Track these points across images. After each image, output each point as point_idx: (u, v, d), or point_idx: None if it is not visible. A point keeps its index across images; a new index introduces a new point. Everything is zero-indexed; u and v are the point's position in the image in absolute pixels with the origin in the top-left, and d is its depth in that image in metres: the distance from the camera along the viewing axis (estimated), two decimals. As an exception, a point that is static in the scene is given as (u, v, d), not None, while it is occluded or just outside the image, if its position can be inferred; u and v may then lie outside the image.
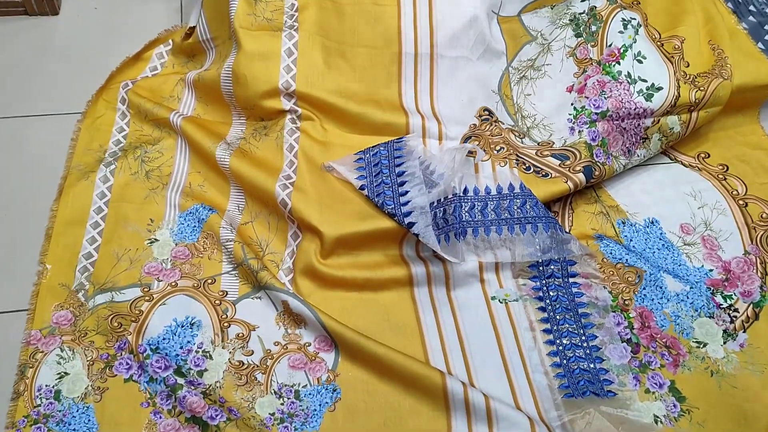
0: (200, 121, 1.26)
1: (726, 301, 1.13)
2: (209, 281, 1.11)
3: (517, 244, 1.13)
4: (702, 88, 1.23)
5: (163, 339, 1.04)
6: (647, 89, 1.21)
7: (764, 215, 1.23)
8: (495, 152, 1.20)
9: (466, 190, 1.14)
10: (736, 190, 1.26)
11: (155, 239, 1.15)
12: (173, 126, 1.23)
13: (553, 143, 1.23)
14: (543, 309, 1.10)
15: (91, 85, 1.33)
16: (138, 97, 1.29)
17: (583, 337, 1.08)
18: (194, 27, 1.32)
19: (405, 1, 1.27)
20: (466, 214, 1.12)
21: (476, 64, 1.28)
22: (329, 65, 1.22)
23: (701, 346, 1.08)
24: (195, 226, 1.16)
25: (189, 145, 1.23)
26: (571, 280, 1.13)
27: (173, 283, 1.10)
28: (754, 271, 1.16)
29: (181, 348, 1.03)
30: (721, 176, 1.28)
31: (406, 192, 1.12)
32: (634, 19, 1.28)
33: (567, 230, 1.19)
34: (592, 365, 1.05)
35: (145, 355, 1.02)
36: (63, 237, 1.14)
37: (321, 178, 1.15)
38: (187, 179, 1.21)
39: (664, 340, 1.09)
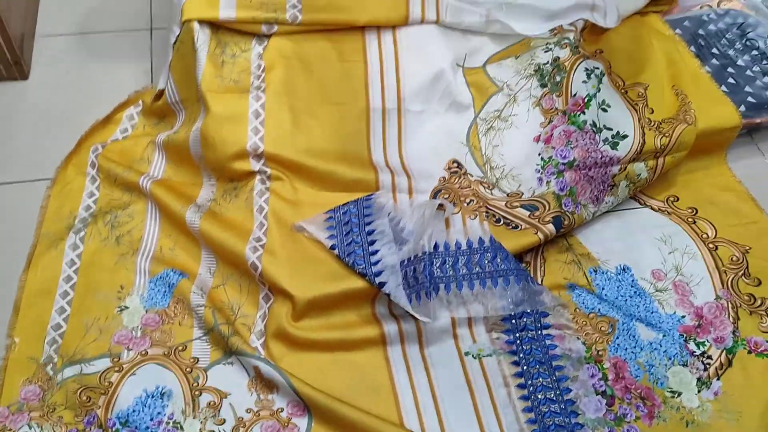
0: (170, 183, 1.26)
1: (699, 348, 1.13)
2: (180, 348, 1.10)
3: (490, 298, 1.13)
4: (667, 134, 1.24)
5: (133, 411, 1.02)
6: (612, 137, 1.22)
7: (734, 258, 1.23)
8: (465, 205, 1.21)
9: (436, 246, 1.14)
10: (706, 234, 1.27)
11: (125, 306, 1.14)
12: (143, 190, 1.23)
13: (522, 194, 1.24)
14: (517, 363, 1.10)
15: (62, 149, 1.33)
16: (108, 161, 1.29)
17: (558, 391, 1.08)
18: (163, 89, 1.33)
19: (372, 58, 1.29)
20: (438, 270, 1.12)
21: (444, 117, 1.30)
22: (297, 125, 1.22)
23: (676, 395, 1.08)
24: (165, 292, 1.15)
25: (159, 209, 1.23)
26: (544, 332, 1.13)
27: (143, 352, 1.09)
28: (726, 316, 1.16)
29: (152, 420, 1.02)
30: (690, 220, 1.29)
31: (377, 251, 1.13)
32: (597, 68, 1.30)
33: (539, 281, 1.19)
34: (567, 420, 1.04)
35: (114, 429, 1.00)
36: (32, 308, 1.13)
37: (292, 240, 1.15)
38: (157, 244, 1.21)
39: (638, 391, 1.08)
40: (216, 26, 1.26)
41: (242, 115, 1.21)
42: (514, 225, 1.19)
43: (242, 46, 1.27)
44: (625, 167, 1.23)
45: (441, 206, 1.18)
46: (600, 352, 1.12)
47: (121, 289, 1.16)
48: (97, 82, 1.48)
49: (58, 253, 1.19)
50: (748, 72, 1.41)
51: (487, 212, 1.20)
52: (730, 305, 1.17)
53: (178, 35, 1.26)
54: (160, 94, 1.35)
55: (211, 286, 1.15)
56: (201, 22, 1.24)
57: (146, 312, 1.13)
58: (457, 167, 1.25)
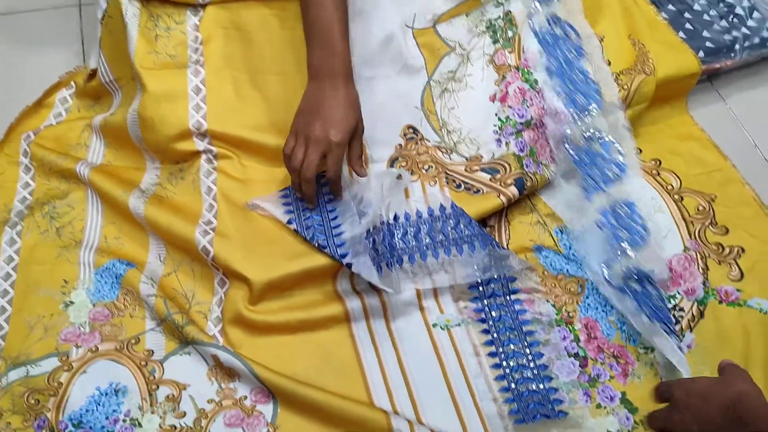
0: (110, 169, 1.18)
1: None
2: (132, 341, 1.04)
3: (456, 266, 1.09)
4: (625, 87, 1.20)
5: (87, 411, 0.96)
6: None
7: (700, 208, 1.21)
8: (424, 172, 1.16)
9: (396, 217, 1.09)
10: (671, 185, 1.24)
11: (71, 302, 1.07)
12: (81, 178, 1.16)
13: (482, 157, 1.19)
14: (487, 331, 1.06)
15: (-9, 139, 1.25)
16: (41, 149, 1.20)
17: (530, 357, 1.05)
18: (96, 69, 1.25)
19: None
20: (400, 241, 1.08)
21: (396, 81, 1.23)
22: (242, 98, 1.16)
23: (649, 351, 1.06)
24: (113, 283, 1.09)
25: (100, 196, 1.15)
26: (512, 297, 1.10)
27: (93, 348, 1.03)
28: (695, 267, 1.14)
29: (107, 419, 0.96)
30: (654, 171, 1.26)
31: (339, 225, 1.07)
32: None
33: (505, 245, 1.15)
34: (541, 385, 1.02)
35: (67, 431, 0.95)
36: (-31, 310, 1.06)
37: (244, 220, 1.09)
38: (101, 233, 1.14)
39: (611, 350, 1.06)
40: (146, -3, 1.18)
41: (182, 92, 1.13)
42: (475, 189, 1.15)
43: (176, 18, 1.19)
44: (586, 124, 1.19)
45: (400, 176, 1.13)
46: (570, 314, 1.09)
47: (65, 283, 1.09)
48: (24, 65, 1.38)
49: (-7, 250, 1.11)
50: (705, 16, 1.38)
51: (447, 178, 1.15)
52: (698, 256, 1.15)
53: (105, 9, 1.18)
54: (93, 73, 1.26)
55: (162, 274, 1.09)
56: None
57: (94, 306, 1.07)
58: (413, 133, 1.20)
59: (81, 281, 1.09)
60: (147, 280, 1.07)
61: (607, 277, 1.09)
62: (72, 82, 1.31)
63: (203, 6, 1.20)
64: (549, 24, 1.24)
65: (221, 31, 1.19)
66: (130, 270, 1.09)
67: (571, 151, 1.18)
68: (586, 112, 1.18)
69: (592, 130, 1.18)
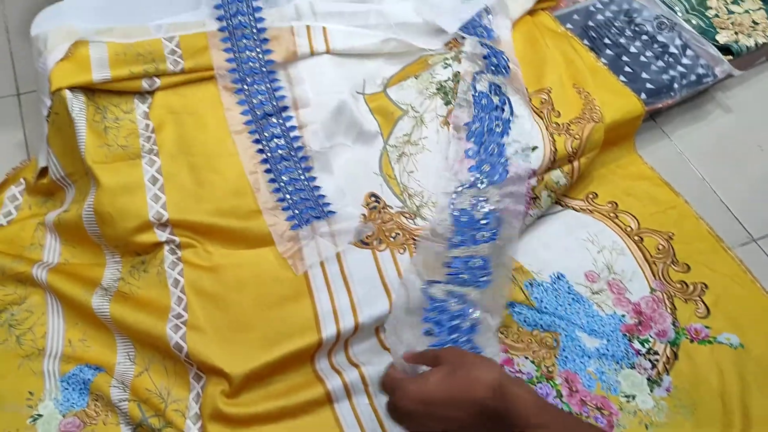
0: (68, 268, 1.14)
1: (644, 346, 1.13)
2: (109, 450, 1.00)
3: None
4: (577, 137, 1.23)
5: None
6: (523, 150, 1.20)
7: (660, 247, 1.24)
8: (392, 240, 1.16)
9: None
10: (630, 227, 1.27)
11: (38, 415, 1.02)
12: (38, 281, 1.11)
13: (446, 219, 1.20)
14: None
15: (-63, 246, 1.19)
16: (-6, 253, 1.16)
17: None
18: (46, 167, 1.21)
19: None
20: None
21: (352, 149, 1.24)
22: (200, 183, 1.14)
23: (630, 399, 1.07)
24: (81, 390, 1.04)
25: (59, 299, 1.11)
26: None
27: (68, 463, 0.98)
28: (664, 308, 1.17)
29: None
30: (612, 214, 1.29)
31: None
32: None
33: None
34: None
35: None
36: (-71, 437, 1.00)
37: (216, 309, 1.06)
38: (65, 337, 1.09)
39: (594, 402, 1.07)
40: (91, 90, 1.15)
41: (138, 184, 1.11)
42: (443, 253, 1.15)
43: (124, 108, 1.17)
44: (543, 177, 1.21)
45: (366, 243, 1.13)
46: (550, 369, 1.10)
47: (31, 395, 1.04)
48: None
49: (-49, 367, 1.06)
50: (642, 58, 1.43)
51: (414, 243, 1.15)
52: (665, 296, 1.18)
53: (50, 106, 1.15)
54: (44, 171, 1.22)
55: (133, 374, 1.05)
56: (73, 88, 1.13)
57: (64, 417, 1.02)
58: (376, 201, 1.20)
59: (47, 391, 1.04)
60: (117, 384, 1.03)
61: None
62: (21, 179, 1.26)
63: (151, 93, 1.19)
64: (489, 90, 1.26)
65: (172, 117, 1.18)
66: (99, 374, 1.04)
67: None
68: (485, 182, 1.19)
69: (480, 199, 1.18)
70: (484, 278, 1.11)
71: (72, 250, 1.18)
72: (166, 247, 1.10)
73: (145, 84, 1.18)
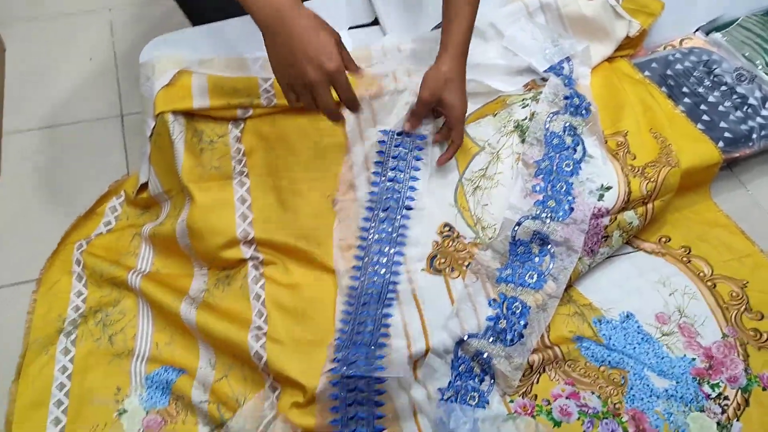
0: (160, 278, 1.22)
1: (714, 390, 1.12)
2: (187, 449, 1.05)
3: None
4: (652, 180, 1.25)
5: None
6: (597, 190, 1.23)
7: (734, 294, 1.24)
8: (464, 268, 1.19)
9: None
10: (702, 272, 1.27)
11: (124, 410, 1.09)
12: (132, 287, 1.20)
13: (517, 253, 1.23)
14: None
15: (43, 249, 1.30)
16: (93, 258, 1.25)
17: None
18: (146, 183, 1.31)
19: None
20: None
21: (429, 183, 1.29)
22: (285, 206, 1.21)
23: (698, 442, 1.06)
24: (164, 389, 1.11)
25: (150, 305, 1.19)
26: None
27: (148, 458, 1.04)
28: (736, 354, 1.16)
29: None
30: (685, 259, 1.29)
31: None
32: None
33: (546, 337, 1.17)
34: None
35: None
36: (26, 422, 1.07)
37: (295, 324, 1.12)
38: (152, 339, 1.17)
39: (661, 442, 1.06)
40: (190, 114, 1.25)
41: (228, 203, 1.19)
42: (513, 284, 1.18)
43: (218, 132, 1.26)
44: (615, 217, 1.23)
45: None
46: (617, 405, 1.10)
47: (118, 391, 1.11)
48: (71, 175, 1.45)
49: (48, 359, 1.14)
50: (721, 108, 1.44)
51: (486, 274, 1.18)
52: (737, 342, 1.17)
53: (153, 128, 1.25)
54: (143, 187, 1.32)
55: (213, 379, 1.11)
56: (175, 112, 1.23)
57: (147, 413, 1.09)
58: (449, 231, 1.24)
59: (133, 388, 1.11)
60: (199, 386, 1.10)
61: None
62: (122, 192, 1.37)
63: (244, 119, 1.27)
64: (563, 131, 1.29)
65: (262, 143, 1.26)
66: (181, 376, 1.11)
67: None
68: (551, 217, 1.21)
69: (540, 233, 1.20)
70: (518, 333, 1.13)
71: (164, 260, 1.26)
72: (250, 263, 1.17)
73: (239, 112, 1.27)
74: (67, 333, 1.17)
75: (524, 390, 1.12)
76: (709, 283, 1.25)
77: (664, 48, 1.59)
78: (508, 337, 1.11)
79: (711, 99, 1.46)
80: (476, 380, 1.11)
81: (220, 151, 1.25)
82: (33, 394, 1.10)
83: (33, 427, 1.07)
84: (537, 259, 1.19)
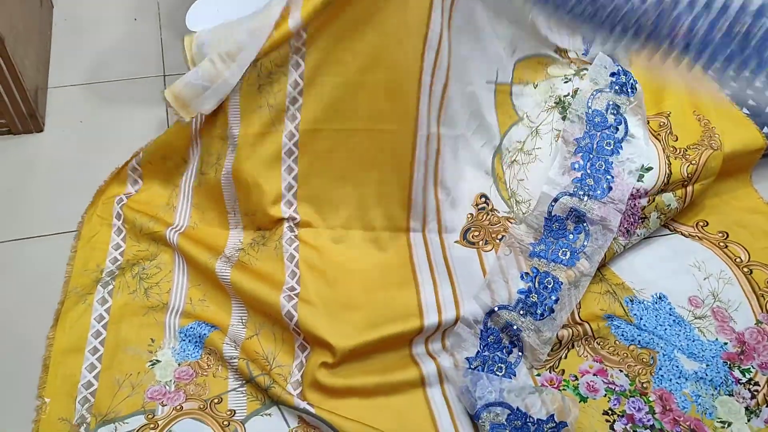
0: (197, 235, 1.24)
1: (744, 376, 1.11)
2: (216, 401, 1.07)
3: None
4: (693, 162, 1.23)
5: (173, 469, 1.00)
6: (637, 170, 1.21)
7: (770, 281, 1.22)
8: (497, 241, 1.19)
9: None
10: (739, 258, 1.26)
11: (157, 360, 1.11)
12: (170, 243, 1.22)
13: (552, 229, 1.22)
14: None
15: (82, 201, 1.32)
16: (133, 212, 1.27)
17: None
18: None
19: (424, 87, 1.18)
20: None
21: (471, 141, 1.26)
22: (332, 154, 1.19)
23: (726, 426, 1.06)
24: (197, 343, 1.13)
25: (186, 261, 1.21)
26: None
27: (178, 407, 1.06)
28: (769, 341, 1.14)
29: (192, 476, 0.99)
30: (722, 244, 1.28)
31: None
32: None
33: (576, 313, 1.17)
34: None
35: (154, 488, 0.98)
36: (61, 367, 1.10)
37: (327, 286, 1.13)
38: (187, 295, 1.19)
39: (687, 423, 1.06)
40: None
41: (276, 156, 1.18)
42: (546, 260, 1.17)
43: (278, 63, 1.16)
44: (654, 198, 1.21)
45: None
46: (644, 384, 1.10)
47: (152, 342, 1.13)
48: (112, 131, 1.48)
49: (86, 308, 1.17)
50: (767, 93, 1.41)
51: (520, 248, 1.18)
52: (771, 330, 1.16)
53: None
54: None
55: (244, 337, 1.13)
56: None
57: (179, 365, 1.11)
58: (485, 203, 1.24)
59: (167, 341, 1.13)
60: (230, 342, 1.11)
61: None
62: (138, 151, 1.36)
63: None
64: (606, 109, 1.27)
65: (319, 78, 1.16)
66: (214, 331, 1.13)
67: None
68: (588, 195, 1.20)
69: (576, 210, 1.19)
70: (549, 307, 1.13)
71: (201, 214, 1.27)
72: (286, 224, 1.18)
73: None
74: (105, 283, 1.19)
75: (552, 365, 1.12)
76: (745, 269, 1.24)
77: (712, 30, 1.55)
78: (539, 311, 1.11)
79: (757, 83, 1.43)
80: (504, 352, 1.11)
81: (278, 84, 1.16)
82: (70, 341, 1.13)
83: (68, 373, 1.09)
84: (571, 236, 1.18)
